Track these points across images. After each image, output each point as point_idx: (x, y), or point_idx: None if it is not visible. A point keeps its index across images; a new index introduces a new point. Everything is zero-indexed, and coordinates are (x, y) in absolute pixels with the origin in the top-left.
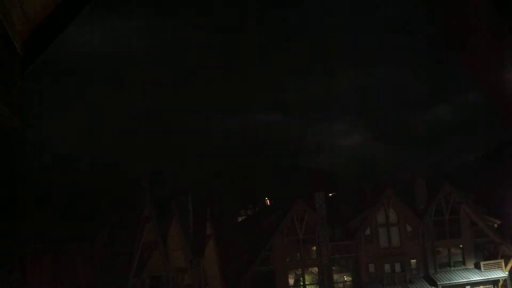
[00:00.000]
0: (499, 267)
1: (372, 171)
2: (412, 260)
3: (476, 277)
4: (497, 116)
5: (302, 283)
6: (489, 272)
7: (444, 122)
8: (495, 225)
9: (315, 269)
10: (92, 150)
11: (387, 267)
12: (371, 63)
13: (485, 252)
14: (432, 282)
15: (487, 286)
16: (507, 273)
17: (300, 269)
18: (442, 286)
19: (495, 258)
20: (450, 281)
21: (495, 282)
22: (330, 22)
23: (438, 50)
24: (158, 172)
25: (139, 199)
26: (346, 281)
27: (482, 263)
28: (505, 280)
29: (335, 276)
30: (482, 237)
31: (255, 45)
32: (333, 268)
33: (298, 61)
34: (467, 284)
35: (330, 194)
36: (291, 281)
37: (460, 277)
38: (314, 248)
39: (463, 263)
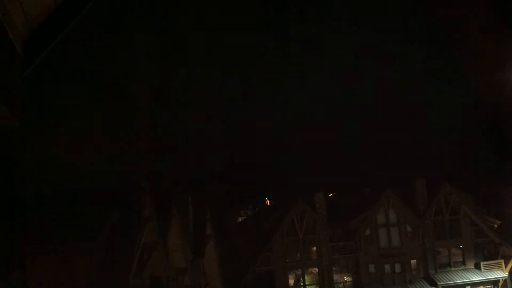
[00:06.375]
0: (499, 267)
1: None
2: (412, 261)
3: (476, 277)
4: (497, 115)
5: (302, 284)
6: (489, 273)
7: (443, 122)
8: (495, 225)
9: (315, 270)
10: (93, 149)
11: (387, 267)
12: (371, 59)
13: (485, 252)
14: (432, 282)
15: (487, 287)
16: (507, 273)
17: (300, 270)
18: (442, 287)
19: (495, 258)
20: (450, 281)
21: (495, 282)
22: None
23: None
24: (158, 172)
25: (139, 199)
26: (346, 281)
27: (482, 264)
28: (505, 281)
29: (335, 277)
30: (482, 237)
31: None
32: (333, 268)
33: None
34: (467, 284)
35: (330, 194)
36: (291, 282)
37: (460, 277)
38: (314, 248)
39: (463, 263)
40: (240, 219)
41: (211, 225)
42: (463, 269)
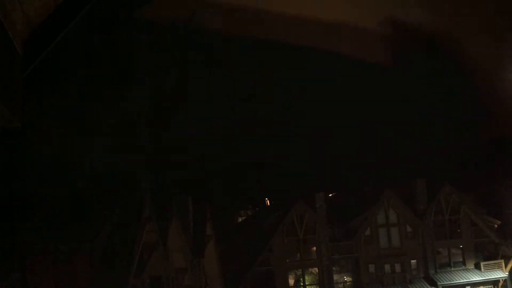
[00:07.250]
0: (499, 267)
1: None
2: (412, 261)
3: (476, 277)
4: (497, 115)
5: (302, 284)
6: (489, 273)
7: (443, 122)
8: (495, 225)
9: (315, 270)
10: (92, 150)
11: (387, 267)
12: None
13: (485, 252)
14: (432, 282)
15: (487, 287)
16: (507, 273)
17: (300, 270)
18: (442, 287)
19: (495, 258)
20: (450, 281)
21: (495, 282)
22: None
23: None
24: (158, 172)
25: (139, 199)
26: (346, 281)
27: (482, 264)
28: (505, 281)
29: (335, 277)
30: (482, 237)
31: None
32: (333, 268)
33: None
34: (467, 284)
35: (330, 194)
36: (291, 282)
37: (460, 277)
38: (314, 248)
39: (463, 263)
40: (240, 219)
41: (211, 225)
42: (463, 269)
